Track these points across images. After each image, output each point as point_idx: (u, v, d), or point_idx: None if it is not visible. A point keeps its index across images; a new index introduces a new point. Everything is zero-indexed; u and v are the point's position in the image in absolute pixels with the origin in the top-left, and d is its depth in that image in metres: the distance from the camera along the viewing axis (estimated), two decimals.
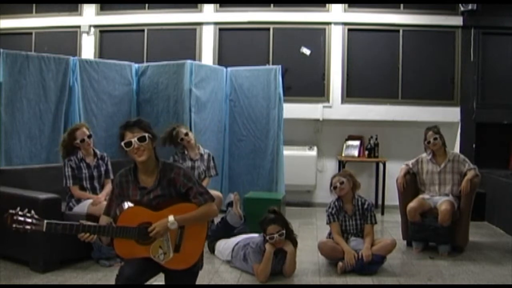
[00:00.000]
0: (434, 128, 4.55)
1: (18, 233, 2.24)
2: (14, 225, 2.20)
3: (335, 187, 3.94)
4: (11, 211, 2.21)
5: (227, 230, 4.17)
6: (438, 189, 4.48)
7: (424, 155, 4.63)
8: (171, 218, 2.37)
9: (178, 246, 2.43)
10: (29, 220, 2.21)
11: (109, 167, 4.16)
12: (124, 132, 2.47)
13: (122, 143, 2.45)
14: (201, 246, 2.53)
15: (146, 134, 2.46)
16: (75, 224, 2.31)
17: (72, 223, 2.31)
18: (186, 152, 4.78)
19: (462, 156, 4.53)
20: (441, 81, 6.60)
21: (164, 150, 4.23)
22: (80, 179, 3.98)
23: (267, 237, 3.53)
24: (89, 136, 4.03)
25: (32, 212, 2.25)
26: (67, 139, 4.03)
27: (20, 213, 2.21)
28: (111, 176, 4.09)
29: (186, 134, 4.77)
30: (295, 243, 3.66)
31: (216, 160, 5.06)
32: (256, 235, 3.83)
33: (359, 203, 3.96)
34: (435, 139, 4.47)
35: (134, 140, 2.42)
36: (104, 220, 2.48)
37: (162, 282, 2.65)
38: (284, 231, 3.56)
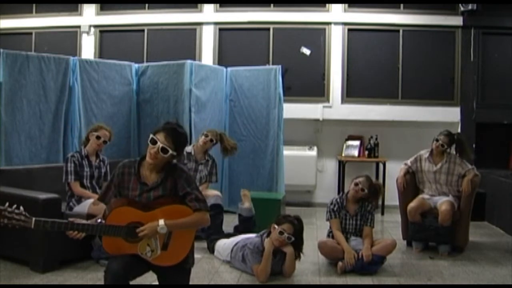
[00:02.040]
0: (452, 137, 4.50)
1: (7, 229, 2.25)
2: (1, 220, 2.20)
3: (356, 184, 3.93)
4: (0, 206, 2.22)
5: (248, 223, 4.44)
6: (435, 188, 4.49)
7: (422, 152, 4.63)
8: (161, 222, 2.36)
9: (166, 245, 2.43)
10: (17, 216, 2.21)
11: (108, 170, 4.18)
12: (161, 131, 2.45)
13: (151, 136, 2.43)
14: (189, 244, 2.52)
15: (171, 152, 2.42)
16: (63, 222, 2.32)
17: (60, 221, 2.32)
18: (192, 153, 4.77)
19: (459, 158, 4.51)
20: (441, 81, 6.60)
21: None
22: (81, 176, 3.98)
23: (278, 229, 3.51)
24: (105, 142, 4.10)
25: (21, 208, 2.24)
26: (91, 129, 4.14)
27: (9, 209, 2.21)
28: None
29: (206, 136, 4.75)
30: (298, 255, 3.64)
31: (217, 160, 5.06)
32: (253, 235, 3.83)
33: (364, 205, 3.98)
34: (442, 145, 4.44)
35: (159, 145, 2.40)
36: (99, 207, 2.47)
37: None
38: (293, 238, 3.55)
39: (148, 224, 2.36)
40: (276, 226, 3.55)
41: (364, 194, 3.94)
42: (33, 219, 2.24)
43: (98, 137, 4.04)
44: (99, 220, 2.41)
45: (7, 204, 2.23)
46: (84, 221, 2.39)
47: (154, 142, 2.42)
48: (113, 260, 2.37)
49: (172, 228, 2.40)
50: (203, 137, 4.76)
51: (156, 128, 2.49)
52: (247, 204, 4.54)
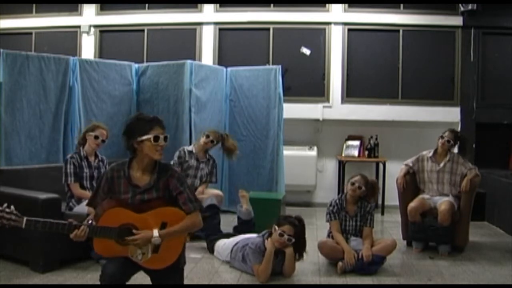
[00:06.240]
0: (457, 134, 4.56)
1: (6, 229, 2.23)
2: None
3: (352, 184, 3.93)
4: None
5: (247, 225, 4.44)
6: (437, 188, 4.49)
7: (424, 152, 4.64)
8: (155, 233, 2.35)
9: (157, 247, 2.41)
10: (7, 215, 2.19)
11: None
12: (154, 127, 2.44)
13: (152, 136, 2.40)
14: (180, 247, 2.51)
15: (168, 136, 2.50)
16: (54, 222, 2.29)
17: (52, 221, 2.29)
18: (194, 151, 4.79)
19: (462, 158, 4.52)
20: (441, 81, 6.60)
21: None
22: (81, 177, 3.98)
23: (278, 231, 3.50)
24: (103, 141, 4.09)
25: (12, 207, 2.22)
26: (87, 129, 4.12)
27: None
28: None
29: (208, 136, 4.78)
30: (299, 256, 3.64)
31: (216, 160, 5.06)
32: (254, 235, 3.82)
33: (363, 205, 3.98)
34: (448, 141, 4.46)
35: (163, 137, 2.44)
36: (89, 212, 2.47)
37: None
38: (293, 240, 3.54)
39: (142, 234, 2.35)
40: (276, 228, 3.54)
41: (362, 192, 3.94)
42: (24, 218, 2.21)
43: (96, 137, 4.03)
44: (90, 221, 2.38)
45: None
46: (76, 222, 2.34)
47: (157, 138, 2.42)
48: (108, 263, 2.37)
49: (166, 237, 2.39)
50: (204, 137, 4.78)
51: (146, 127, 2.44)
52: (245, 206, 4.53)
